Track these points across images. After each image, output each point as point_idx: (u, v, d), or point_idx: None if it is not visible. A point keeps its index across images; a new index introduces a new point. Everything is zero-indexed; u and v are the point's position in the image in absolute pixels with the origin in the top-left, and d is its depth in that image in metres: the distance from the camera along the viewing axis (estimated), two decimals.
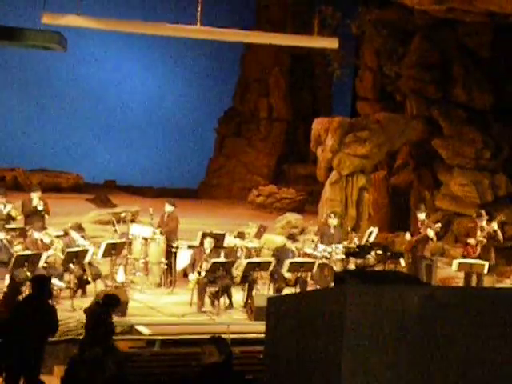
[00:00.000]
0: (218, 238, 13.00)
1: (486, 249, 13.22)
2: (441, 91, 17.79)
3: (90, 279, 11.87)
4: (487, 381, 4.74)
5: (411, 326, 4.70)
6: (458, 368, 4.71)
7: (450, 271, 13.95)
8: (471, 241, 13.21)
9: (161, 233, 13.16)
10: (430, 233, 13.30)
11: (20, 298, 10.21)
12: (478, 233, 13.20)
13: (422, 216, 13.58)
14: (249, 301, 11.87)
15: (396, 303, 4.71)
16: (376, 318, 4.72)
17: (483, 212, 13.62)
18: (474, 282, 13.02)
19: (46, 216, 13.18)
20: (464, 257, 13.26)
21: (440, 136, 17.58)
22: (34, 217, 12.83)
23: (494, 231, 13.19)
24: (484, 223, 13.26)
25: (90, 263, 11.83)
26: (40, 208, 13.00)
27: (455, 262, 13.02)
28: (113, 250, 12.23)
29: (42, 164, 23.62)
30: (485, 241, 13.15)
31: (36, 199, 13.11)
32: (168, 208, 13.46)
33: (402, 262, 13.48)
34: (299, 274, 12.20)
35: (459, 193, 17.06)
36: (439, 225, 13.61)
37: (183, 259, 12.99)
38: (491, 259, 13.20)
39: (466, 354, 4.71)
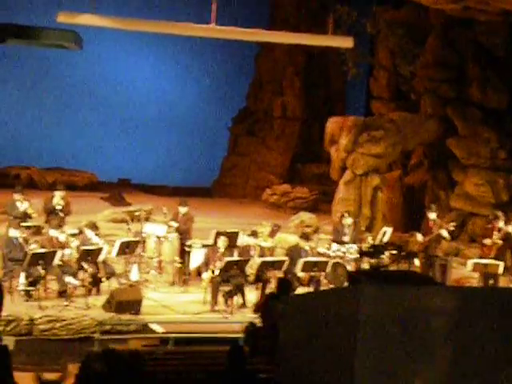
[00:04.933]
0: (232, 237, 13.00)
1: (502, 250, 13.14)
2: (456, 90, 17.69)
3: (103, 277, 11.90)
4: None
5: (426, 324, 4.68)
6: (476, 366, 4.69)
7: (464, 271, 13.87)
8: (487, 242, 13.14)
9: (177, 230, 13.14)
10: (444, 232, 13.23)
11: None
12: (495, 234, 13.13)
13: (432, 216, 13.50)
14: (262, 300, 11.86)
15: (411, 303, 4.69)
16: (390, 317, 4.70)
17: (500, 214, 13.51)
18: (490, 283, 12.94)
19: (60, 214, 13.23)
20: (480, 257, 13.19)
21: (455, 135, 17.49)
22: (53, 215, 12.92)
23: (509, 233, 13.11)
24: (502, 224, 13.16)
25: (104, 261, 11.86)
26: (58, 207, 13.07)
27: (470, 263, 12.95)
28: (127, 248, 12.27)
29: (57, 162, 23.71)
30: (500, 242, 13.07)
31: (57, 198, 13.19)
32: (182, 209, 13.46)
33: (416, 262, 13.42)
34: (313, 274, 12.18)
35: (474, 193, 16.96)
36: (453, 223, 13.52)
37: (197, 258, 13.01)
38: (507, 260, 13.12)
39: (486, 353, 4.69)
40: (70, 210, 13.43)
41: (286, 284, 9.24)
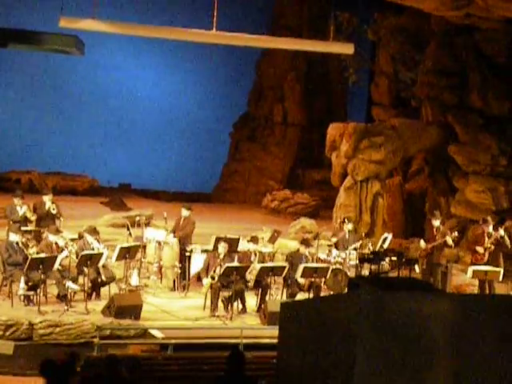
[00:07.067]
0: (232, 243, 13.00)
1: (495, 255, 13.15)
2: (457, 97, 17.71)
3: (104, 281, 11.90)
4: None
5: (426, 331, 4.67)
6: (478, 373, 4.68)
7: (464, 278, 13.87)
8: (479, 248, 13.14)
9: (174, 237, 13.16)
10: (449, 240, 13.20)
11: None
12: (486, 239, 13.14)
13: (436, 223, 13.49)
14: (262, 306, 11.86)
15: (411, 309, 4.68)
16: (390, 323, 4.70)
17: (489, 218, 13.54)
18: (486, 290, 12.94)
19: (61, 219, 13.26)
20: (473, 264, 13.19)
21: (456, 142, 17.50)
22: (47, 220, 12.89)
23: (501, 237, 13.12)
24: (491, 229, 13.18)
25: (104, 266, 11.86)
26: (53, 211, 13.06)
27: (470, 269, 12.94)
28: (127, 253, 12.25)
29: (58, 167, 23.74)
30: (493, 247, 13.08)
31: (49, 202, 13.18)
32: (184, 213, 13.48)
33: (417, 268, 13.40)
34: (313, 280, 12.17)
35: (474, 199, 16.96)
36: (456, 234, 13.51)
37: (197, 263, 13.00)
38: (500, 265, 13.12)
39: (487, 360, 4.68)
40: (61, 213, 13.42)
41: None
